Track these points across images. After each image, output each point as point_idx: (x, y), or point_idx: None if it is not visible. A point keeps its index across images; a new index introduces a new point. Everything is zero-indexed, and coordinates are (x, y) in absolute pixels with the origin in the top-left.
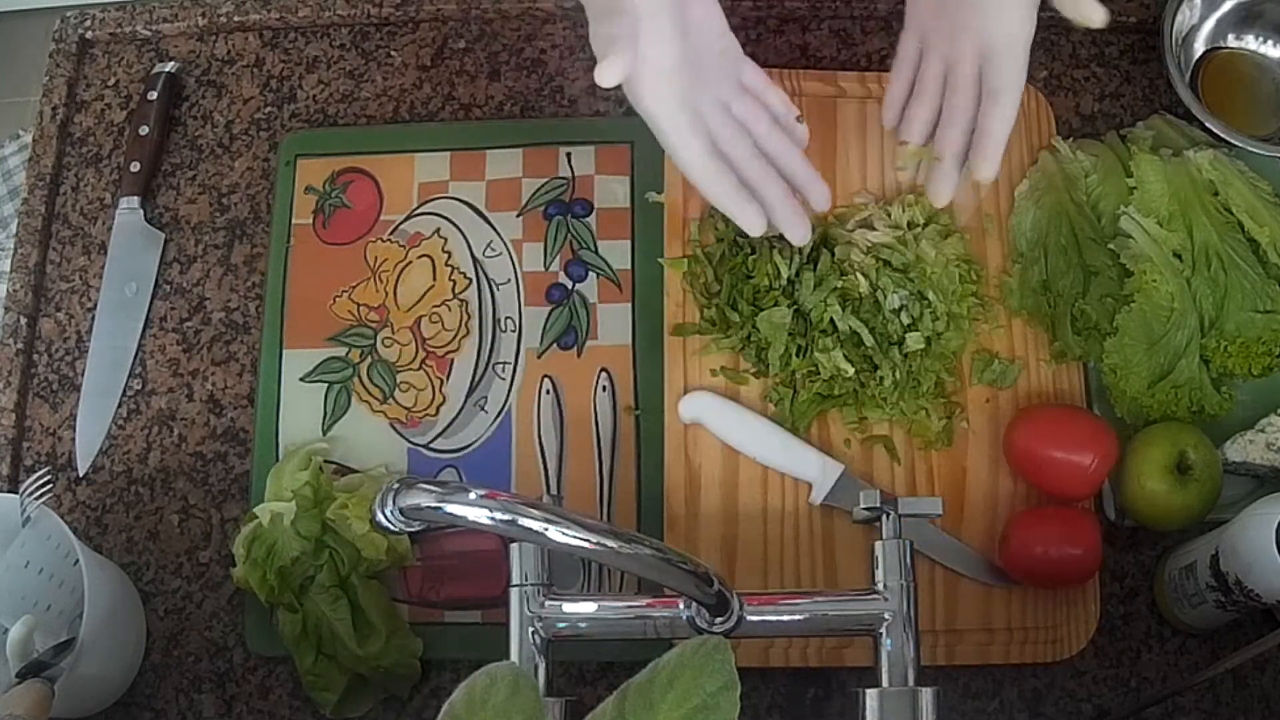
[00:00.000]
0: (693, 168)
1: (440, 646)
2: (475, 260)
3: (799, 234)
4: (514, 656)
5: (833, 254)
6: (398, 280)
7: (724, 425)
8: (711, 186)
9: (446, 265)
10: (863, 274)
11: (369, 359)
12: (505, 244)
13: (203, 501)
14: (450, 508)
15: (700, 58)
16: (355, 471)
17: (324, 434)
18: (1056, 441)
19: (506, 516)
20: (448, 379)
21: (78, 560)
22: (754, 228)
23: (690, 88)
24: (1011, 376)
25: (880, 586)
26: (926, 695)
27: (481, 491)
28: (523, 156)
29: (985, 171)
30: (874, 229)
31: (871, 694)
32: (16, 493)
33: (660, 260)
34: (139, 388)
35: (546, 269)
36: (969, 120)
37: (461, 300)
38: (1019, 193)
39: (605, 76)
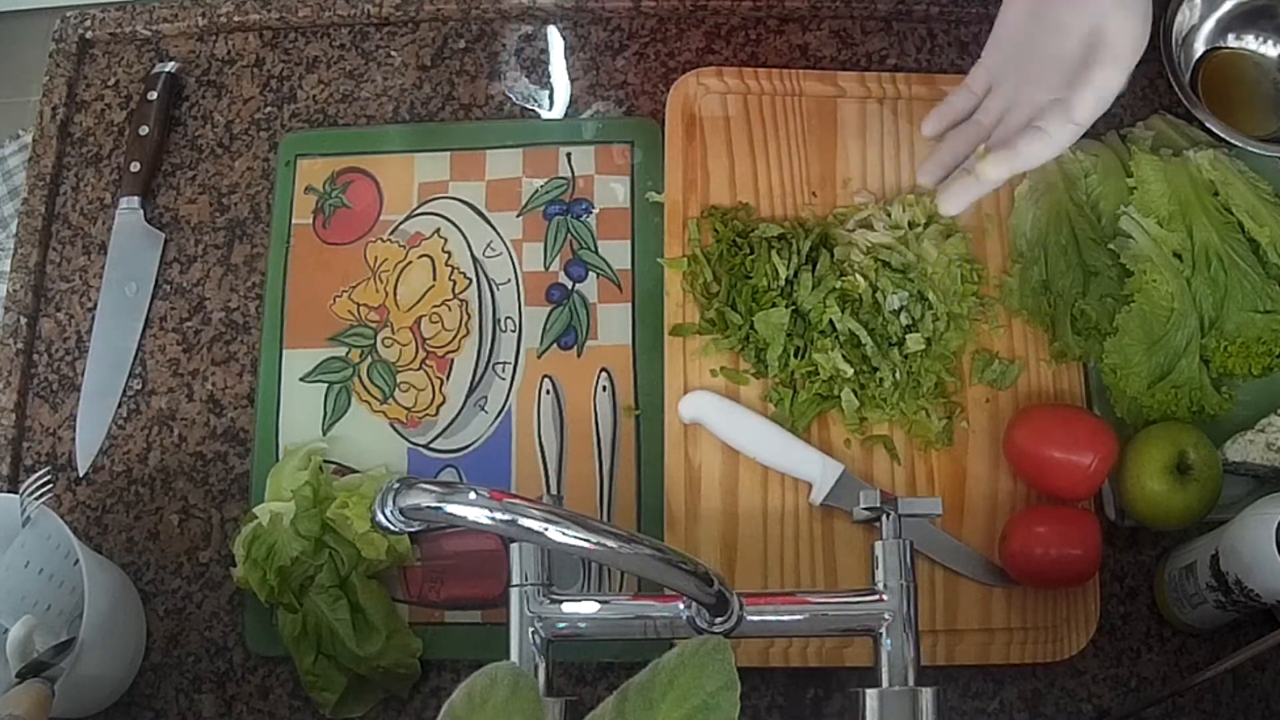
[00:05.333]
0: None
1: (440, 646)
2: (475, 260)
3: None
4: (514, 656)
5: (832, 254)
6: (398, 280)
7: (724, 425)
8: None
9: (446, 265)
10: (862, 275)
11: (369, 359)
12: (505, 244)
13: (203, 501)
14: (450, 508)
15: None
16: (355, 471)
17: (324, 434)
18: (1056, 441)
19: (506, 516)
20: (448, 379)
21: (78, 560)
22: None
23: None
24: (1011, 376)
25: (880, 586)
26: (926, 695)
27: (481, 491)
28: (523, 156)
29: (945, 205)
30: (874, 229)
31: (871, 694)
32: (16, 493)
33: (660, 260)
34: (139, 388)
35: (546, 269)
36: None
37: (461, 300)
38: (1019, 193)
39: None
